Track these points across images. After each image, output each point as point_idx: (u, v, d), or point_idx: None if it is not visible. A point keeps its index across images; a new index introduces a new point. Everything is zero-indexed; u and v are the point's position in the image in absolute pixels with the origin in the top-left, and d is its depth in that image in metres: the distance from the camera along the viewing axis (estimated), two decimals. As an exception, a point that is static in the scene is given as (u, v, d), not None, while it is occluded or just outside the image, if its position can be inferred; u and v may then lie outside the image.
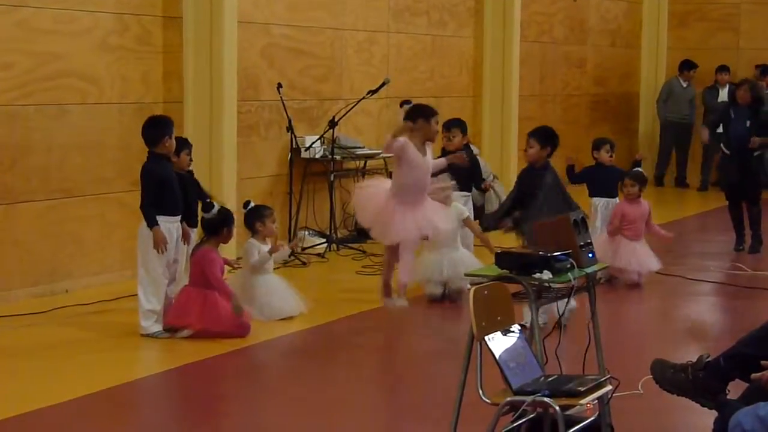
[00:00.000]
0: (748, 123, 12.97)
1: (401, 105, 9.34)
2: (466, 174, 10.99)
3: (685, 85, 19.93)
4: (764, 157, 13.04)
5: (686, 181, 20.25)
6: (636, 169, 11.74)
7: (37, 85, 10.12)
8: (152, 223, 8.78)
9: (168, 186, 8.87)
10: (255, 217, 9.62)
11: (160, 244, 8.76)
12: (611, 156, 11.71)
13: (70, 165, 10.46)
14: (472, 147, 12.00)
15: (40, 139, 10.18)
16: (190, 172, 9.69)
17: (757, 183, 13.02)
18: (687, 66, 20.03)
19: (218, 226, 9.08)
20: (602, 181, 11.61)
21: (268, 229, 9.68)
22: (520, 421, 5.60)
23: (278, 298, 9.49)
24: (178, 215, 8.99)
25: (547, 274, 6.03)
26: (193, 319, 8.86)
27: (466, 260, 10.30)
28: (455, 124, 11.59)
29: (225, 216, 9.14)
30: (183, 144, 9.43)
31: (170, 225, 8.92)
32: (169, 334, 8.89)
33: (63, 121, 10.37)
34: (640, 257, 11.21)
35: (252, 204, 9.74)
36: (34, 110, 10.10)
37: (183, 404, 7.74)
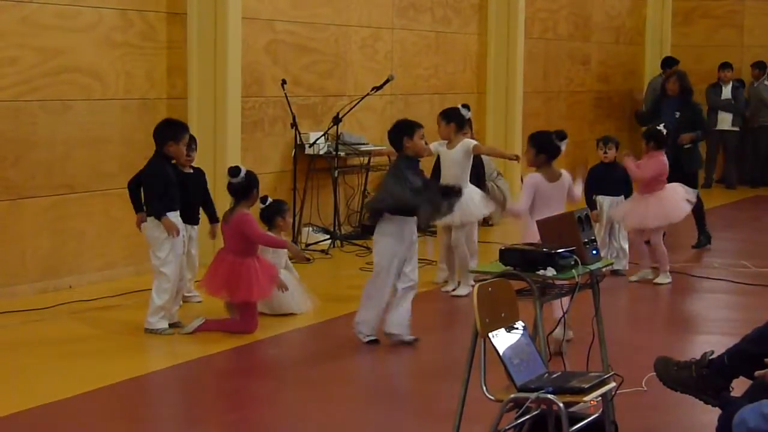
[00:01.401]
0: (677, 114, 12.96)
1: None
2: (472, 172, 10.98)
3: None
4: (695, 150, 12.94)
5: None
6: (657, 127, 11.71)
7: (42, 81, 10.13)
8: (160, 214, 8.78)
9: (169, 185, 8.88)
10: (276, 212, 9.57)
11: (173, 230, 8.77)
12: (605, 153, 11.66)
13: (73, 161, 10.47)
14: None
15: (44, 135, 10.18)
16: (198, 171, 9.70)
17: (684, 175, 12.87)
18: (668, 63, 19.94)
19: (248, 189, 9.08)
20: (605, 179, 11.57)
21: (287, 223, 9.79)
22: (523, 418, 5.60)
23: (288, 293, 9.47)
24: (177, 210, 8.99)
25: (551, 271, 6.03)
26: (229, 289, 8.88)
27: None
28: None
29: (252, 178, 9.15)
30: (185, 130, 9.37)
31: (175, 220, 8.92)
32: (172, 330, 8.89)
33: (67, 116, 10.38)
34: (665, 209, 11.21)
35: (270, 199, 9.72)
36: (38, 106, 10.11)
37: (188, 400, 7.74)
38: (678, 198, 11.34)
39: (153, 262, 8.95)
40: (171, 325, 8.94)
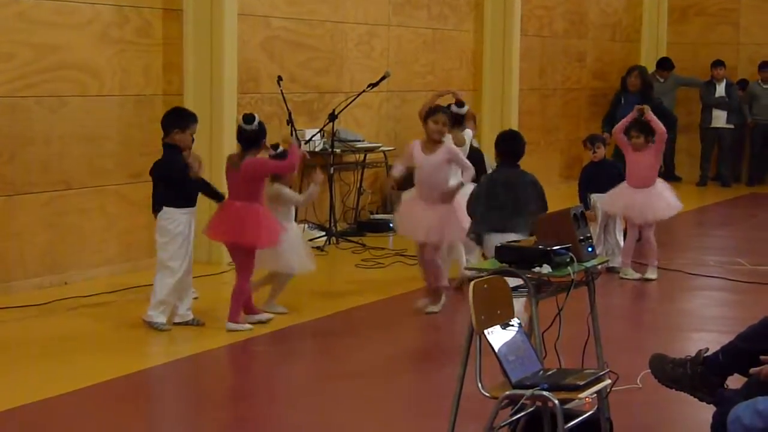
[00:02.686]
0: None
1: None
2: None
3: (662, 80, 19.82)
4: None
5: (675, 173, 20.20)
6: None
7: (38, 77, 10.13)
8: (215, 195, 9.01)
9: (179, 179, 8.83)
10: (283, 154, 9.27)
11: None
12: (594, 152, 11.69)
13: (70, 157, 10.47)
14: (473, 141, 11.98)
15: (41, 131, 10.19)
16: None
17: None
18: (663, 64, 19.88)
19: (259, 137, 8.99)
20: (597, 177, 11.62)
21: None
22: (519, 415, 5.61)
23: (291, 251, 9.39)
24: (193, 206, 8.95)
25: (546, 268, 6.04)
26: (235, 234, 8.82)
27: None
28: None
29: (263, 128, 9.06)
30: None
31: (187, 216, 8.87)
32: (169, 326, 8.86)
33: (63, 113, 10.38)
34: (652, 204, 11.27)
35: (281, 148, 9.41)
36: (34, 102, 10.11)
37: (185, 397, 7.74)
38: (666, 196, 11.40)
39: (161, 254, 8.88)
40: (186, 323, 8.92)
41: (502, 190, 8.63)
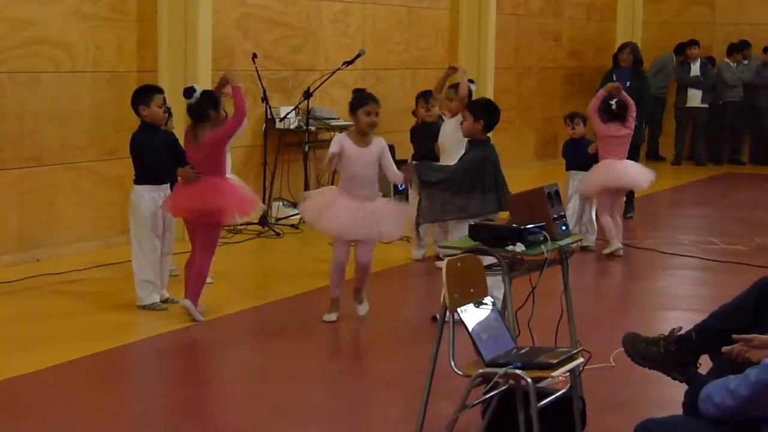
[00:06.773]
0: (628, 83, 13.07)
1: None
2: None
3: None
4: (639, 125, 12.97)
5: (659, 153, 20.29)
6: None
7: (10, 53, 10.05)
8: (172, 169, 8.63)
9: (148, 155, 8.75)
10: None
11: (191, 175, 8.57)
12: (573, 129, 11.75)
13: (42, 133, 10.41)
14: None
15: (13, 107, 10.12)
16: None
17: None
18: (684, 47, 19.97)
19: (205, 109, 8.64)
20: (573, 154, 11.68)
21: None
22: (491, 393, 5.61)
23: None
24: (163, 183, 8.86)
25: (520, 247, 6.04)
26: (201, 203, 8.53)
27: None
28: (432, 95, 11.61)
29: (210, 98, 8.73)
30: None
31: (155, 194, 8.80)
32: (165, 306, 8.80)
33: (36, 89, 10.31)
34: (631, 174, 11.54)
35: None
36: (6, 78, 10.04)
37: (160, 374, 7.73)
38: (637, 168, 11.69)
39: (133, 233, 8.85)
40: (161, 301, 8.87)
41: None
